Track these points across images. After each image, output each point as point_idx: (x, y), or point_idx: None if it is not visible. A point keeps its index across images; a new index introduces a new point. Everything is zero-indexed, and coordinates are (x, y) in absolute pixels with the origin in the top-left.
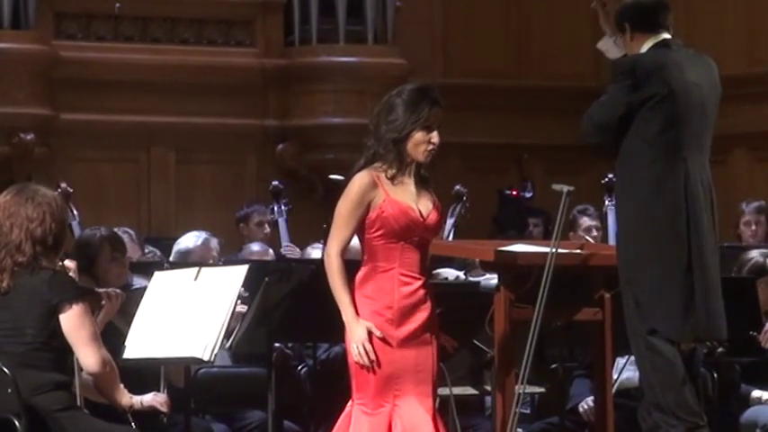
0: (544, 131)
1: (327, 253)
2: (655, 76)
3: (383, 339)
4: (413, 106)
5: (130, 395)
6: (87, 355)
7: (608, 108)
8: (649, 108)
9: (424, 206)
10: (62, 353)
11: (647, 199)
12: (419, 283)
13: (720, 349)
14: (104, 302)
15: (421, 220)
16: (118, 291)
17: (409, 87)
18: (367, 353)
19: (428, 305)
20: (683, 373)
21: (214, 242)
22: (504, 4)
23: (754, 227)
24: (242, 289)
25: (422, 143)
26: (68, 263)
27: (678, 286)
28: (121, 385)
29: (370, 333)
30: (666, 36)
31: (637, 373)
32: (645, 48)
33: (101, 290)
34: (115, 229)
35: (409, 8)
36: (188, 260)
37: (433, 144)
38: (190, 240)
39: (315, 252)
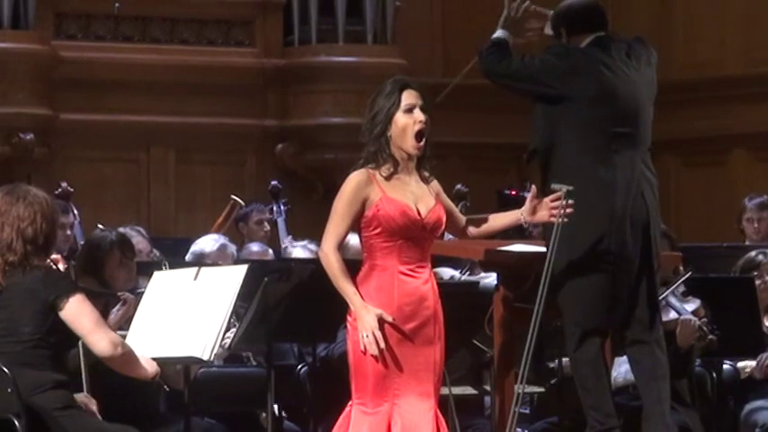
0: None
1: (323, 249)
2: (584, 72)
3: (383, 337)
4: (386, 95)
5: (153, 362)
6: (97, 341)
7: (525, 68)
8: (576, 105)
9: (424, 205)
10: (60, 350)
11: (575, 193)
12: (419, 281)
13: (711, 336)
14: (120, 306)
15: (419, 219)
16: (131, 295)
17: (384, 83)
18: (377, 341)
19: (430, 303)
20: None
21: (231, 248)
22: (503, 4)
23: (756, 224)
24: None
25: (408, 126)
26: (55, 257)
27: (597, 278)
28: (142, 358)
29: (381, 320)
30: (601, 33)
31: None
32: None
33: (121, 293)
34: (124, 228)
35: (409, 8)
36: (202, 263)
37: (420, 122)
38: (207, 244)
39: (295, 251)
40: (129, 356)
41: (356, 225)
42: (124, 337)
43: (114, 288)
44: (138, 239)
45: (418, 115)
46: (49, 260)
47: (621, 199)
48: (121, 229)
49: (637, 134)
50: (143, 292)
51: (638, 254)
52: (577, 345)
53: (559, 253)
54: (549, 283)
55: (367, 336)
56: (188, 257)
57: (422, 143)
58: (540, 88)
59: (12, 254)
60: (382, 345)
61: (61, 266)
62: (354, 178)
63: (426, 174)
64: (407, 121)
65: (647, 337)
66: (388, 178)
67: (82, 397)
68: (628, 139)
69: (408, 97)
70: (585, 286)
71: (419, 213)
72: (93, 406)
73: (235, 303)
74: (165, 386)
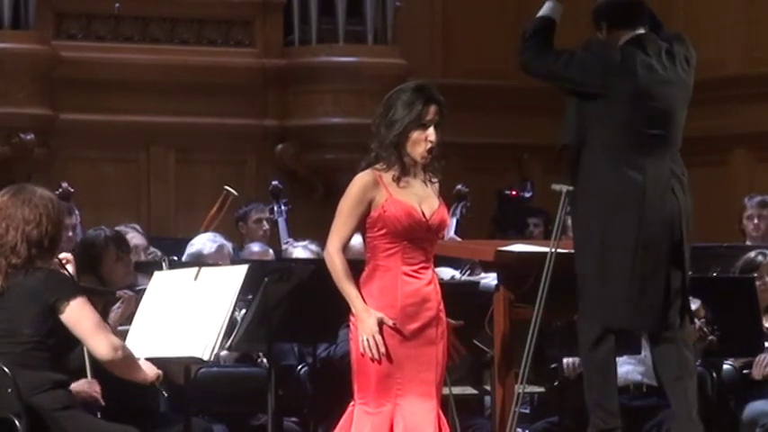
0: (544, 131)
1: (327, 250)
2: (620, 71)
3: (385, 338)
4: (409, 105)
5: (152, 365)
6: (96, 345)
7: (562, 67)
8: (611, 105)
9: (428, 207)
10: (59, 352)
11: (608, 196)
12: (422, 282)
13: (711, 337)
14: (120, 304)
15: (424, 220)
16: (130, 293)
17: (406, 87)
18: (377, 345)
19: (433, 304)
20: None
21: (228, 248)
22: (503, 4)
23: (756, 221)
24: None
25: (419, 142)
26: (65, 255)
27: (627, 275)
28: (141, 361)
29: (381, 324)
30: (642, 31)
31: (635, 368)
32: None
33: (120, 291)
34: (119, 226)
35: (409, 8)
36: (202, 262)
37: (430, 142)
38: (204, 244)
39: (295, 251)
40: (128, 360)
41: (361, 226)
42: (126, 331)
43: (113, 284)
44: (134, 235)
45: (430, 134)
46: (57, 259)
47: (651, 199)
48: (116, 228)
49: (668, 136)
50: (143, 290)
51: (669, 252)
52: (593, 344)
53: (589, 252)
54: (552, 282)
55: (367, 340)
56: (185, 258)
57: (430, 155)
58: (577, 87)
59: (15, 257)
60: (382, 349)
61: (70, 267)
62: (361, 179)
63: (430, 175)
64: (420, 136)
65: (674, 334)
66: (394, 180)
67: (83, 383)
68: (660, 141)
69: (429, 113)
70: (614, 286)
71: (424, 215)
72: (96, 387)
73: (236, 302)
74: (164, 393)
